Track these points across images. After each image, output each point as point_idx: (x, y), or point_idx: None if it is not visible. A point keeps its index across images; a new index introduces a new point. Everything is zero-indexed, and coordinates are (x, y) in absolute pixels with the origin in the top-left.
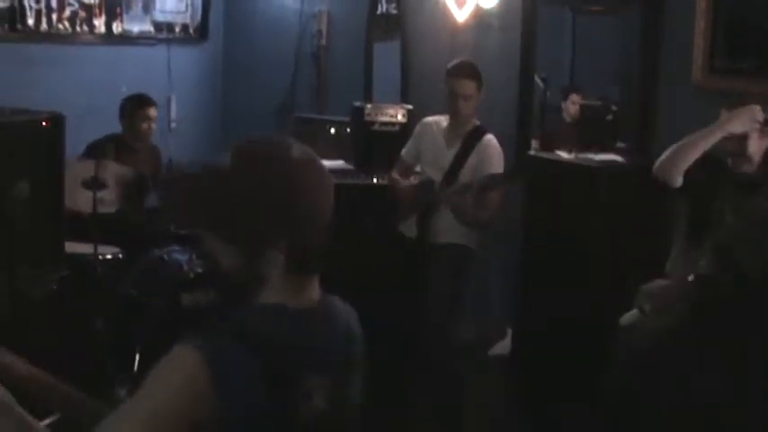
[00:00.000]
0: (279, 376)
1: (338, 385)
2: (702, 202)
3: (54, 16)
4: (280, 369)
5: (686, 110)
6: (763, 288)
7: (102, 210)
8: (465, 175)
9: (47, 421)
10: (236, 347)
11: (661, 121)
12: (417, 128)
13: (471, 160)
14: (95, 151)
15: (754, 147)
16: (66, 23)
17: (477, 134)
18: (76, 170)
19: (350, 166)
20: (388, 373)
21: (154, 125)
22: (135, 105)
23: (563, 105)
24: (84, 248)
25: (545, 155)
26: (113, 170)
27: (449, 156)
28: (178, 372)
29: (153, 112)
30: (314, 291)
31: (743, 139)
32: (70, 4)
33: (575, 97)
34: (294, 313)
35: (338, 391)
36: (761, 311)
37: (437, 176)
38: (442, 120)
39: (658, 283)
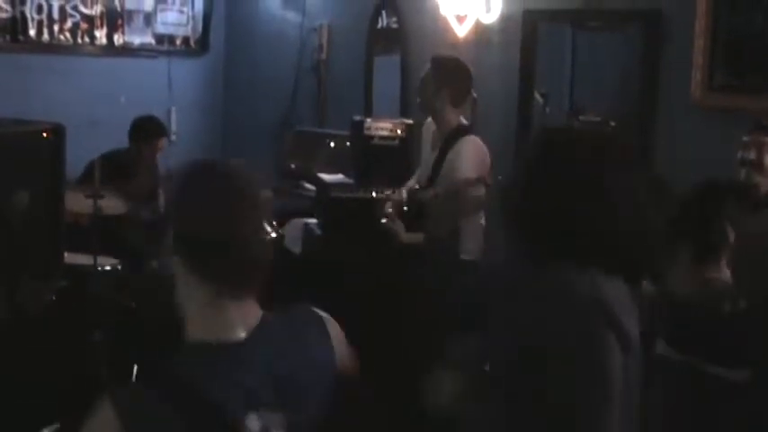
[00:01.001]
0: (208, 422)
1: (293, 416)
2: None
3: (55, 27)
4: (208, 416)
5: (685, 126)
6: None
7: (107, 212)
8: (442, 177)
9: (48, 429)
10: (158, 398)
11: (660, 137)
12: (423, 128)
13: (447, 161)
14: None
15: None
16: (68, 35)
17: (459, 134)
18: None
19: (349, 180)
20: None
21: (160, 154)
22: (147, 135)
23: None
24: (84, 260)
25: None
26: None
27: (432, 157)
28: (95, 425)
29: (164, 143)
30: (244, 318)
31: (763, 147)
32: (72, 16)
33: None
34: (220, 350)
35: (293, 422)
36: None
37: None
38: None
39: None
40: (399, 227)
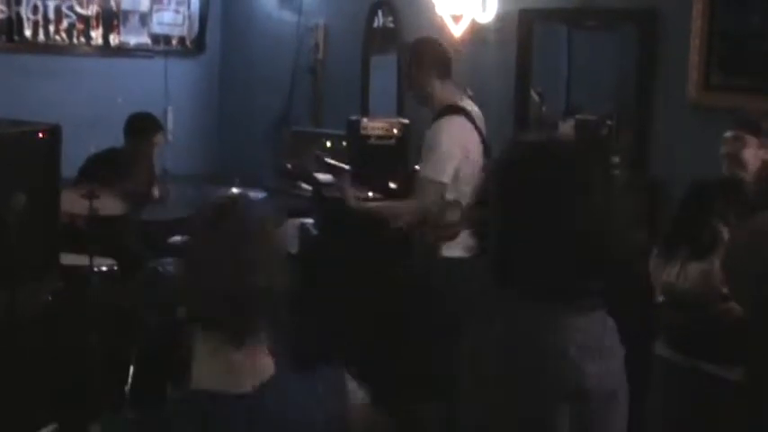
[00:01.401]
0: None
1: None
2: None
3: (51, 28)
4: None
5: (681, 126)
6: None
7: (103, 213)
8: (423, 154)
9: (46, 429)
10: None
11: (656, 136)
12: None
13: (426, 137)
14: (91, 171)
15: (750, 153)
16: (64, 35)
17: (447, 111)
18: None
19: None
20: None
21: (157, 149)
22: (142, 131)
23: (560, 126)
24: (80, 260)
25: None
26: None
27: None
28: None
29: (159, 138)
30: (254, 370)
31: (740, 142)
32: (67, 16)
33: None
34: (220, 402)
35: None
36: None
37: None
38: None
39: None
40: (349, 193)
